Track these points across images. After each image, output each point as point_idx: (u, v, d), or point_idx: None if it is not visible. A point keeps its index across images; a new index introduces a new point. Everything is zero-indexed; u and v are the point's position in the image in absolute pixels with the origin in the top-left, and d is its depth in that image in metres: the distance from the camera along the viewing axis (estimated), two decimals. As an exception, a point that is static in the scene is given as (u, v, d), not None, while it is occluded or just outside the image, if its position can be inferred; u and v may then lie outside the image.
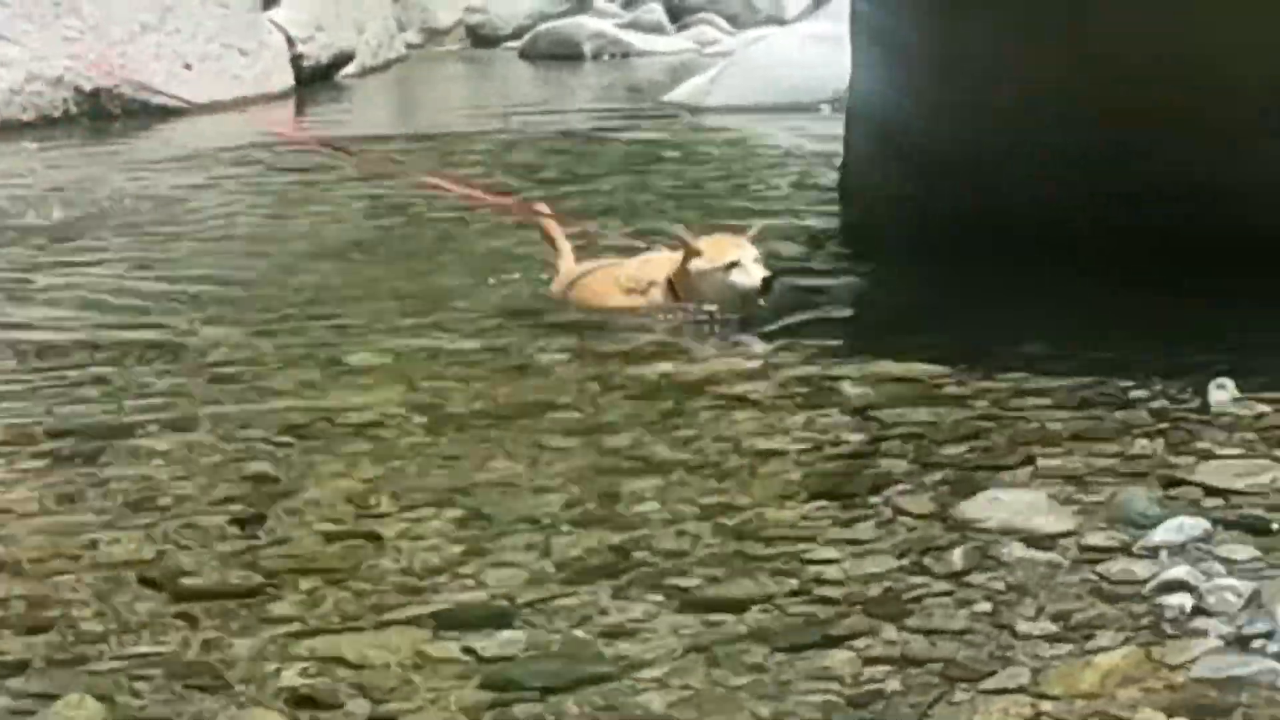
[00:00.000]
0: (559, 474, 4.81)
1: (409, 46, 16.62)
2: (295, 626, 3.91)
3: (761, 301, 6.20)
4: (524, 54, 16.42)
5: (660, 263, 6.51)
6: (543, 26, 16.55)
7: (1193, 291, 6.01)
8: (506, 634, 3.84)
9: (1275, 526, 4.23)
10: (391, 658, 3.76)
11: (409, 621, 3.93)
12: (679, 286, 6.34)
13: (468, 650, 3.79)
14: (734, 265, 6.20)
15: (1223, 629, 3.66)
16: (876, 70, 7.07)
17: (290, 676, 3.66)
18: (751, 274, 6.16)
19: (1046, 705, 3.40)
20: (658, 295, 6.39)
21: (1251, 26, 5.72)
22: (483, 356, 5.97)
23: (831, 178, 8.51)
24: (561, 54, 16.09)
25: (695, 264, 6.27)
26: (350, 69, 15.11)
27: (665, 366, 5.80)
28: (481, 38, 17.24)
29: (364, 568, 4.23)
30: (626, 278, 6.50)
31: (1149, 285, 6.07)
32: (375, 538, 4.41)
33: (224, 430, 5.27)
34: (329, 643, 3.81)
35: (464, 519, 4.52)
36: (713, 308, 6.29)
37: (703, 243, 6.31)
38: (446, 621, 3.92)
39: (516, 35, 16.89)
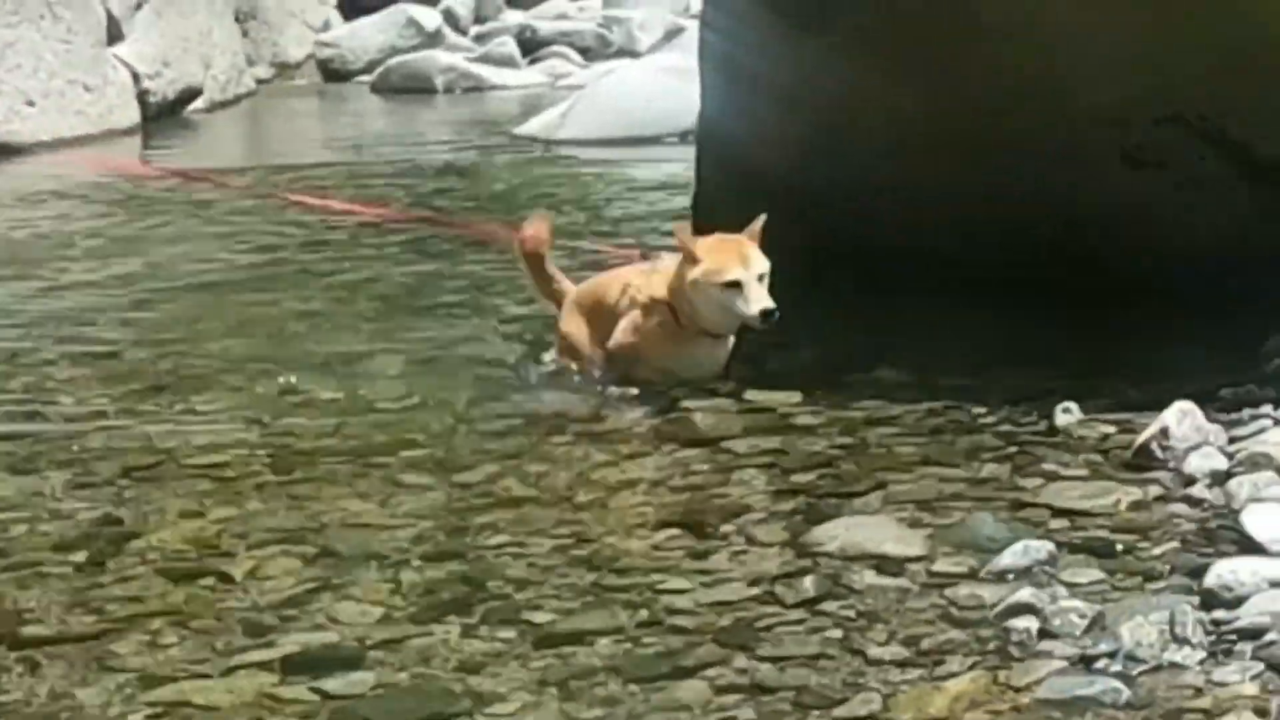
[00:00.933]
0: (410, 510, 4.77)
1: (259, 81, 16.48)
2: (141, 672, 3.84)
3: (760, 327, 5.52)
4: (376, 88, 16.32)
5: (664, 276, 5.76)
6: (394, 60, 16.48)
7: (1048, 319, 6.09)
8: (356, 674, 3.80)
9: (1119, 548, 4.29)
10: (240, 701, 3.70)
11: (257, 664, 3.88)
12: (675, 299, 5.65)
13: (317, 691, 3.75)
14: (734, 285, 5.51)
15: (1067, 650, 3.71)
16: (725, 101, 7.10)
17: (137, 724, 3.59)
18: (751, 301, 5.44)
19: (897, 730, 3.42)
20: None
21: (1097, 53, 5.81)
22: (336, 394, 5.90)
23: (684, 208, 8.53)
24: (414, 88, 16.01)
25: (692, 274, 5.56)
26: (198, 104, 14.95)
27: (518, 400, 5.77)
28: (332, 72, 17.12)
29: (211, 609, 4.16)
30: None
31: (1010, 313, 6.14)
32: (223, 578, 4.35)
33: (67, 473, 5.17)
34: (176, 689, 3.75)
35: (313, 557, 4.47)
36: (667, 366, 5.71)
37: (702, 246, 5.56)
38: (295, 663, 3.87)
39: (368, 69, 16.79)
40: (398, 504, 4.82)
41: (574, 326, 5.94)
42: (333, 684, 3.75)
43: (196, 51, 15.01)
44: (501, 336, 6.58)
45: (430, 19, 17.36)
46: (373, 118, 15.28)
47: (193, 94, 14.87)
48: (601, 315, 5.86)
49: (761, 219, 5.56)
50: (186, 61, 14.83)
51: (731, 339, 5.73)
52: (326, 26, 17.98)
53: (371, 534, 4.61)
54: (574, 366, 5.92)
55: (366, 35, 17.27)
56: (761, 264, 5.49)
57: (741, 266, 5.48)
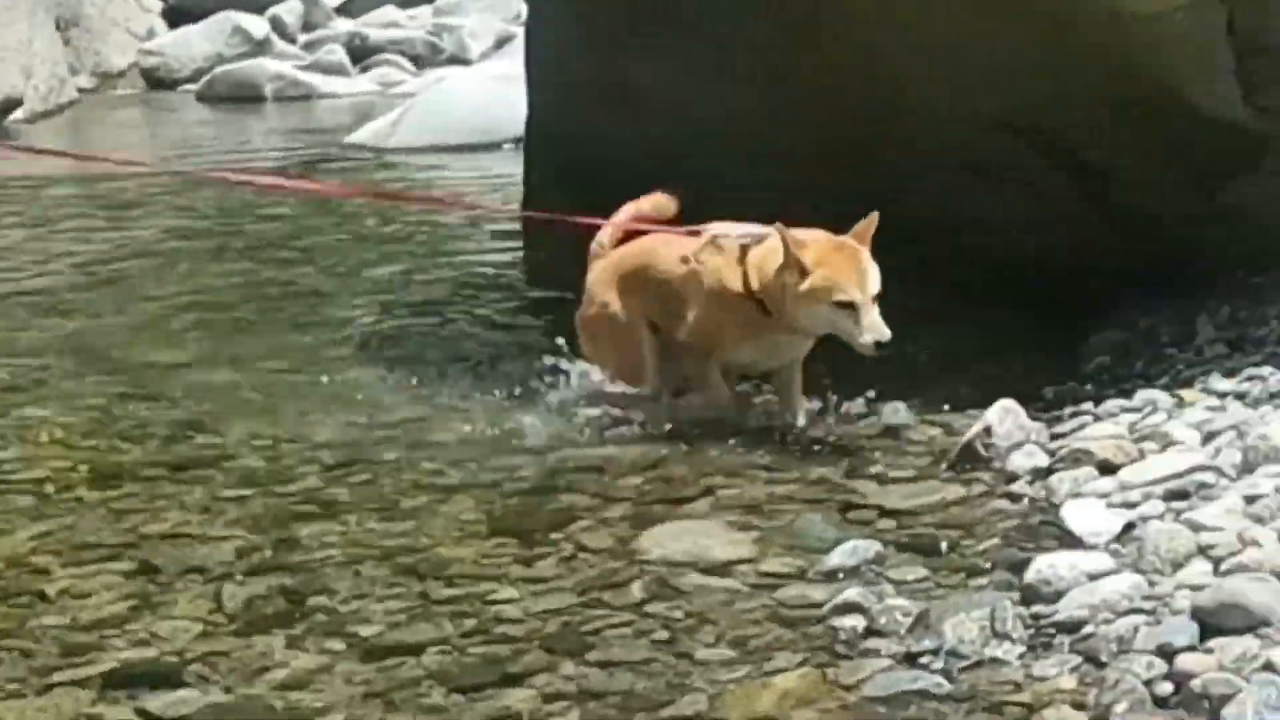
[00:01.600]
0: (233, 523, 4.69)
1: (81, 91, 16.16)
2: (-46, 694, 3.74)
3: (869, 355, 5.01)
4: (202, 97, 16.07)
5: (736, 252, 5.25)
6: (220, 69, 16.25)
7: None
8: (178, 692, 3.73)
9: (944, 546, 4.33)
10: (57, 721, 3.62)
11: (76, 683, 3.79)
12: (768, 296, 5.16)
13: (139, 711, 3.67)
14: (848, 307, 4.99)
15: (893, 648, 3.74)
16: (551, 106, 7.10)
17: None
18: (865, 329, 4.93)
19: (724, 730, 3.42)
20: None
21: (939, 64, 5.87)
22: (157, 410, 5.79)
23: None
24: (241, 96, 15.80)
25: (803, 286, 5.01)
26: (19, 114, 14.61)
27: (344, 415, 5.65)
28: (157, 80, 16.83)
29: (27, 628, 4.06)
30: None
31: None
32: (40, 596, 4.24)
33: None
34: (-9, 709, 3.66)
35: (133, 573, 4.38)
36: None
37: (812, 254, 5.00)
38: (115, 680, 3.79)
39: (194, 78, 16.53)
40: (220, 518, 4.73)
41: (611, 295, 5.48)
42: (154, 702, 3.68)
43: (16, 61, 14.67)
44: (334, 346, 6.50)
45: (258, 27, 17.15)
46: (200, 127, 15.04)
47: (13, 104, 14.53)
48: (648, 287, 5.40)
49: (874, 218, 5.07)
50: (5, 71, 14.50)
51: None
52: (151, 35, 17.68)
53: (193, 548, 4.52)
54: (600, 350, 5.54)
55: (192, 43, 17.02)
56: (877, 282, 4.98)
57: (859, 288, 4.96)
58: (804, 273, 5.00)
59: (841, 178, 5.92)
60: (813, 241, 5.03)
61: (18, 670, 3.85)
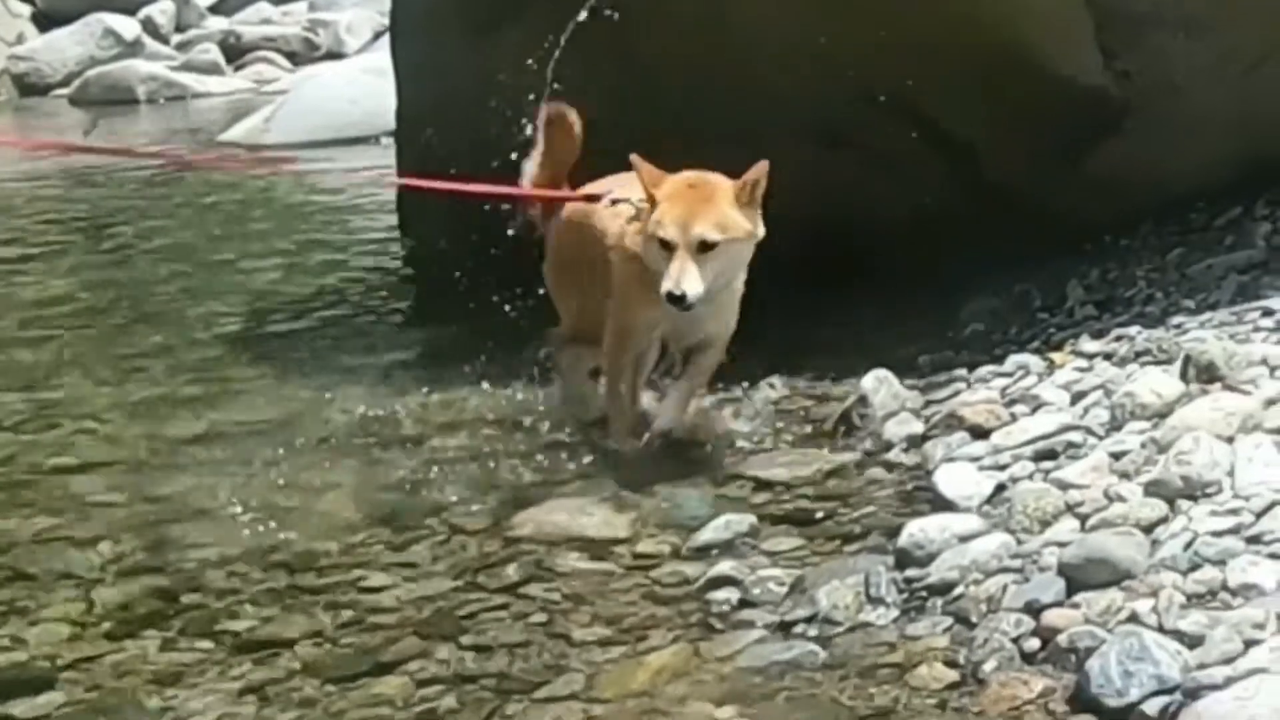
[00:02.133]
0: (103, 525, 4.62)
1: (-50, 98, 15.92)
2: None
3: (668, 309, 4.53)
4: (75, 101, 15.86)
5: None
6: (93, 72, 16.03)
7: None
8: (45, 696, 3.68)
9: (819, 515, 4.35)
10: (-78, 732, 3.55)
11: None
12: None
13: (6, 717, 3.60)
14: (666, 247, 4.48)
15: (767, 618, 3.75)
16: (418, 100, 7.05)
17: None
18: (671, 280, 4.42)
19: (599, 709, 3.43)
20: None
21: (790, 33, 5.87)
22: (20, 409, 5.69)
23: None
24: (115, 99, 15.59)
25: (645, 220, 4.59)
26: (-113, 126, 14.38)
27: (214, 415, 5.57)
28: (29, 85, 16.58)
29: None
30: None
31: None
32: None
33: None
34: None
35: (2, 580, 4.30)
36: None
37: (665, 185, 4.56)
38: (-18, 688, 3.72)
39: (66, 82, 16.30)
40: (89, 521, 4.66)
41: (553, 275, 5.22)
42: (20, 708, 3.62)
43: (-120, 70, 14.42)
44: (191, 344, 6.42)
45: (129, 28, 16.92)
46: (74, 131, 14.82)
47: (-121, 115, 14.30)
48: (586, 249, 4.97)
49: (762, 167, 4.55)
50: None
51: (729, 301, 4.78)
52: (21, 39, 17.41)
53: (62, 552, 4.45)
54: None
55: (63, 46, 16.77)
56: (710, 230, 4.45)
57: (679, 230, 4.46)
58: (654, 207, 4.57)
59: (698, 153, 5.92)
60: (674, 177, 4.60)
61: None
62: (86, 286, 7.60)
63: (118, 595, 4.18)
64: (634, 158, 4.64)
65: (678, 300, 4.42)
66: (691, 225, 4.46)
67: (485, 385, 5.38)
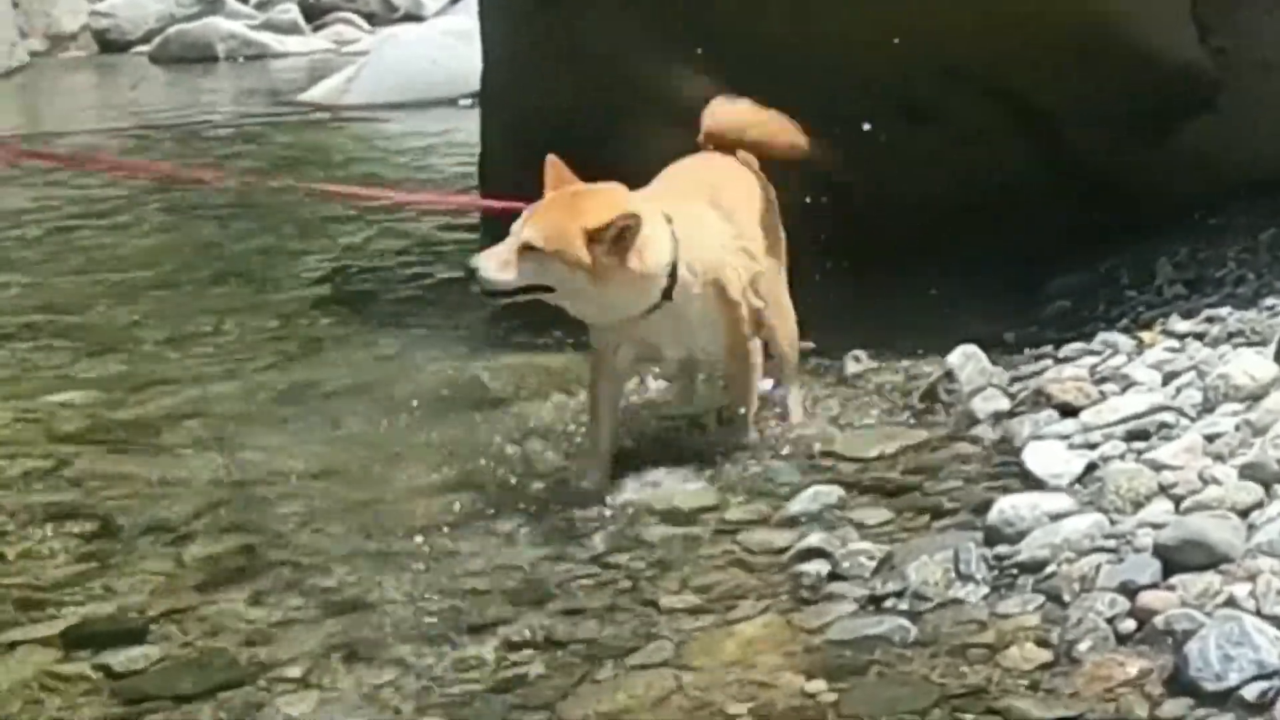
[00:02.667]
0: (192, 482, 4.65)
1: (32, 54, 16.01)
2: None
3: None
4: (155, 58, 15.95)
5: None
6: (173, 29, 16.12)
7: (832, 275, 6.11)
8: (141, 649, 3.71)
9: (907, 490, 4.33)
10: (18, 680, 3.59)
11: (37, 641, 3.76)
12: None
13: (99, 667, 3.65)
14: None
15: (857, 592, 3.73)
16: (505, 61, 7.04)
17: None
18: (483, 255, 4.32)
19: (689, 677, 3.42)
20: None
21: (877, 9, 5.84)
22: (110, 367, 5.74)
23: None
24: (194, 57, 15.69)
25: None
26: (-32, 79, 14.51)
27: (302, 374, 5.60)
28: (109, 43, 16.70)
29: (-14, 589, 4.04)
30: None
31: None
32: (-2, 558, 4.22)
33: None
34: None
35: (93, 533, 4.34)
36: None
37: (556, 191, 4.39)
38: (76, 639, 3.76)
39: (146, 39, 16.41)
40: (178, 477, 4.70)
41: None
42: (116, 659, 3.66)
43: (-36, 25, 14.56)
44: (279, 303, 6.46)
45: (210, -13, 17.03)
46: (154, 88, 14.92)
47: (-39, 69, 14.44)
48: None
49: (633, 219, 4.30)
50: (-46, 36, 14.39)
51: (696, 323, 4.57)
52: (102, -4, 17.54)
53: (152, 506, 4.49)
54: None
55: (143, 3, 16.89)
56: (538, 237, 4.25)
57: (521, 221, 4.34)
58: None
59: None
60: (573, 187, 4.41)
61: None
62: (172, 245, 7.66)
63: (207, 550, 4.23)
64: (550, 159, 4.42)
65: (470, 272, 4.28)
66: (529, 224, 4.29)
67: (574, 351, 5.39)
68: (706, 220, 4.63)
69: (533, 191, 4.41)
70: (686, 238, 4.47)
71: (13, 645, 3.75)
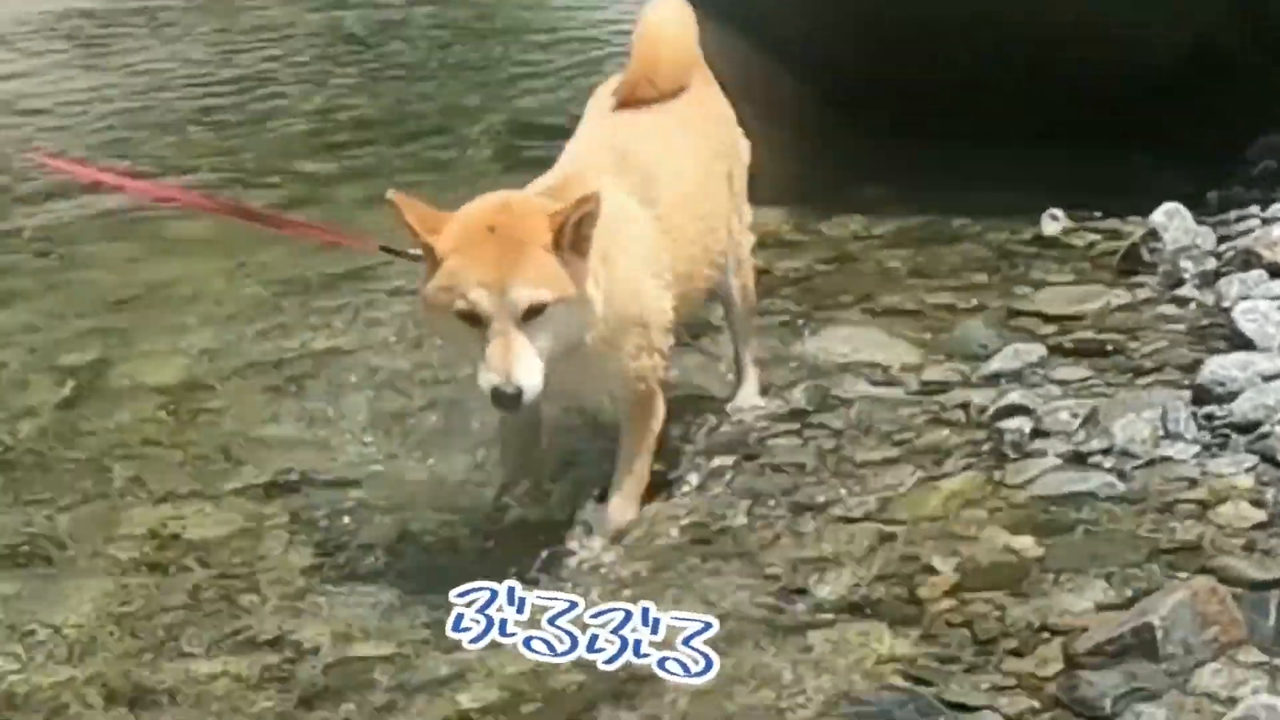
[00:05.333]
0: (403, 339, 4.69)
1: None
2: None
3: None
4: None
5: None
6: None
7: (1030, 135, 6.00)
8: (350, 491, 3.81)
9: (1110, 349, 4.26)
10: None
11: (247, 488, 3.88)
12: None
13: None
14: (471, 320, 3.13)
15: (1061, 448, 3.68)
16: None
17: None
18: (487, 366, 3.09)
19: (892, 529, 3.40)
20: None
21: None
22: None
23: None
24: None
25: (422, 283, 3.21)
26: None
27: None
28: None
29: (197, 439, 4.15)
30: None
31: (988, 135, 6.06)
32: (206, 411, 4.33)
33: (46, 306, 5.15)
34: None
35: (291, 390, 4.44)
36: None
37: (452, 232, 3.17)
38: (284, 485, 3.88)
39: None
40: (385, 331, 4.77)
41: None
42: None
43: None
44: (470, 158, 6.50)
45: None
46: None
47: None
48: None
49: (592, 196, 3.16)
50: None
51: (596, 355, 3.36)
52: None
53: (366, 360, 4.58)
54: None
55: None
56: (535, 289, 3.11)
57: (487, 290, 3.11)
58: (435, 260, 3.22)
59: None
60: (461, 215, 3.24)
61: (191, 476, 3.94)
62: (366, 104, 7.76)
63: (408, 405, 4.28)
64: (393, 195, 3.20)
65: (512, 400, 3.08)
66: (508, 286, 3.10)
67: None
68: (627, 216, 3.42)
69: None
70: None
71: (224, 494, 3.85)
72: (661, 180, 3.54)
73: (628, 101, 3.73)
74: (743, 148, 4.03)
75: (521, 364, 3.05)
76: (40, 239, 5.90)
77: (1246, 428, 3.64)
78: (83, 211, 6.15)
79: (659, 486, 3.65)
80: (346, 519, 3.68)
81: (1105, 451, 3.63)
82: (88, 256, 5.68)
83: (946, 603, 3.11)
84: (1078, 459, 3.63)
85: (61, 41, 9.74)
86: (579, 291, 3.15)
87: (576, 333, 3.20)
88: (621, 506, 3.47)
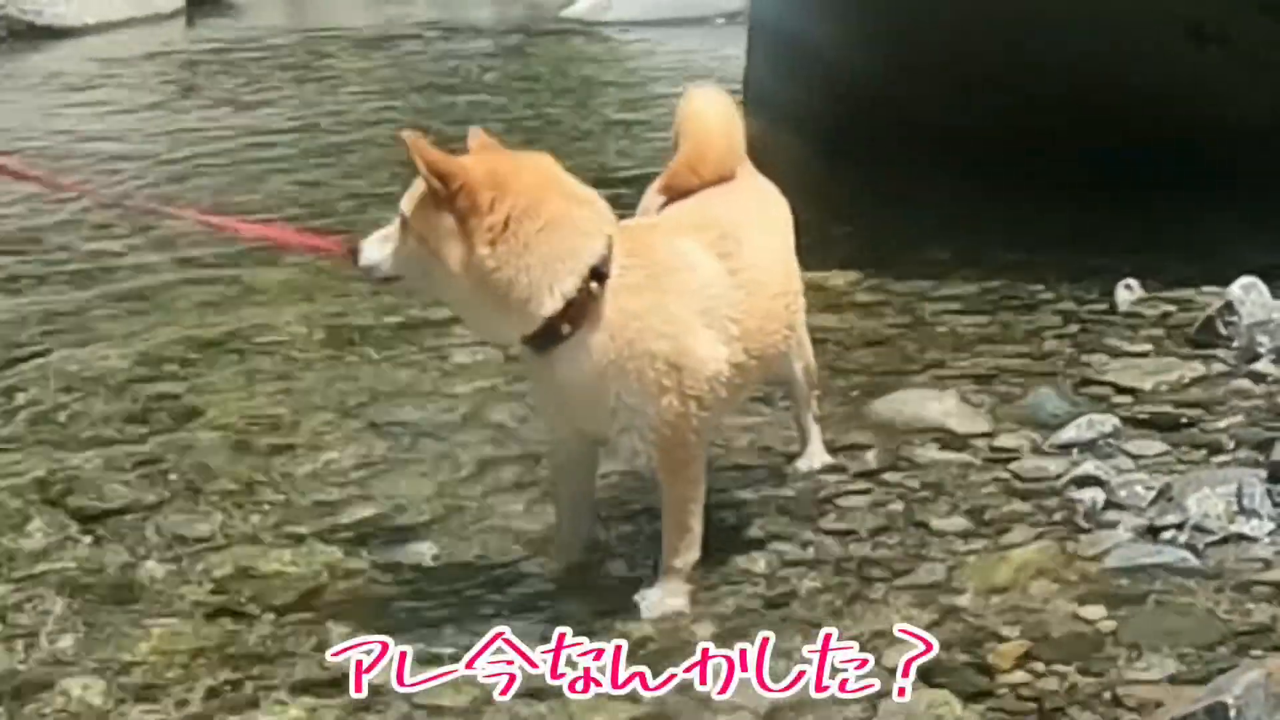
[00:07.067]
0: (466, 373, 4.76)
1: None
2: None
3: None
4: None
5: None
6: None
7: (1104, 197, 6.01)
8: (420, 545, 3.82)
9: (1184, 422, 4.25)
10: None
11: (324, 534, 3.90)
12: None
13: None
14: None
15: (1134, 521, 3.67)
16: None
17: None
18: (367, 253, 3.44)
19: (961, 600, 3.39)
20: None
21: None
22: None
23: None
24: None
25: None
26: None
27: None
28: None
29: (273, 480, 4.19)
30: None
31: (1057, 193, 6.07)
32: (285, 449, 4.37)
33: (126, 349, 5.21)
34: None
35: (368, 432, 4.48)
36: None
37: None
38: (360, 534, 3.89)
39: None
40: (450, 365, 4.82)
41: None
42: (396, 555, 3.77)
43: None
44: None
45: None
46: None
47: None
48: None
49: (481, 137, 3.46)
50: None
51: (589, 395, 3.42)
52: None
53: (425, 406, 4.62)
54: None
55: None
56: (405, 204, 3.37)
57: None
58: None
59: (1057, 53, 5.80)
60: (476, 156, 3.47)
61: (270, 520, 3.97)
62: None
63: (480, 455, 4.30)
64: (407, 136, 3.31)
65: (353, 257, 3.46)
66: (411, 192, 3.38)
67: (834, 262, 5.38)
68: (689, 262, 3.46)
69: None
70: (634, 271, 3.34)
71: (302, 538, 3.87)
72: (740, 238, 3.57)
73: (670, 190, 3.74)
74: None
75: (373, 240, 3.41)
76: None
77: (1323, 508, 3.62)
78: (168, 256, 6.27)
79: (727, 543, 3.66)
80: (428, 562, 3.71)
81: (1179, 526, 3.62)
82: (169, 300, 5.76)
83: (1018, 675, 3.09)
84: (1151, 533, 3.62)
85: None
86: (432, 238, 3.29)
87: (420, 271, 3.37)
88: (667, 596, 3.45)
